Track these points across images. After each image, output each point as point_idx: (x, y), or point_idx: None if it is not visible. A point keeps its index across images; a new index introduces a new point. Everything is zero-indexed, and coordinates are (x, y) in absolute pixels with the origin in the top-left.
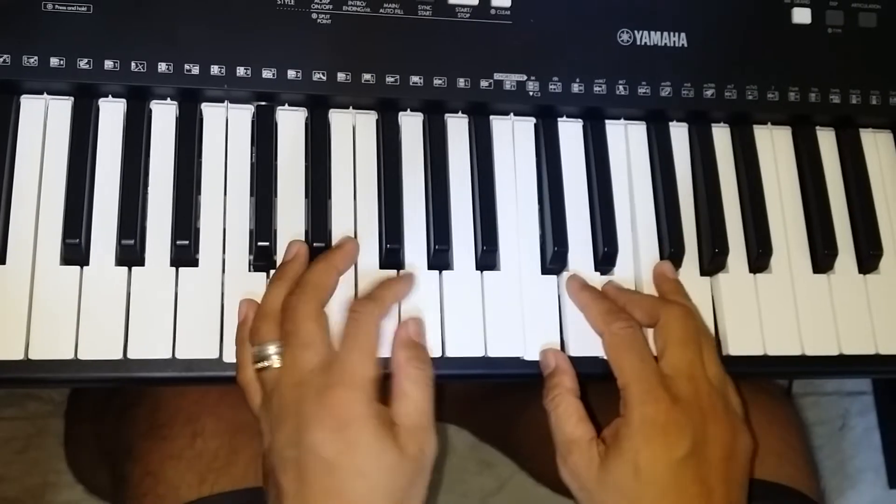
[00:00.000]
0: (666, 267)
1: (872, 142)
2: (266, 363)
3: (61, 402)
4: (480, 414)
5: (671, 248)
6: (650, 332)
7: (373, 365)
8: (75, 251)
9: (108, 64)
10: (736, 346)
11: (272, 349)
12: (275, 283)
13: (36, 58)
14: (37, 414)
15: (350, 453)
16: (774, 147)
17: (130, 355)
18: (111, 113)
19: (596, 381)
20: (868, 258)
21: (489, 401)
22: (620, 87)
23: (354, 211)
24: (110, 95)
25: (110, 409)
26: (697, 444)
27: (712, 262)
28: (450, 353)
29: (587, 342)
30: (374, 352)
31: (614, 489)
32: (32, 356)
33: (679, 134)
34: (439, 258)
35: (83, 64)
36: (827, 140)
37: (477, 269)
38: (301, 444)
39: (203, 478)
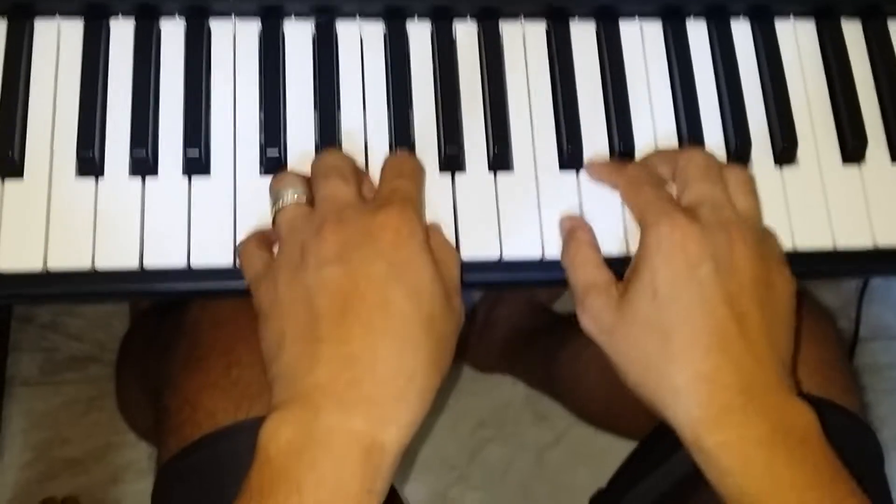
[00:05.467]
0: None
1: None
2: (290, 200)
3: None
4: (527, 358)
5: (691, 143)
6: None
7: (420, 193)
8: (89, 163)
9: None
10: None
11: (299, 189)
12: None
13: None
14: (98, 377)
15: (404, 271)
16: (798, 40)
17: (146, 264)
18: (121, 31)
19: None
20: None
21: (534, 344)
22: None
23: (364, 120)
24: (120, 14)
25: (153, 349)
26: (722, 264)
27: (736, 155)
28: (465, 256)
29: (610, 241)
30: (419, 181)
31: (635, 321)
32: (51, 267)
33: (697, 30)
34: (451, 160)
35: None
36: (853, 31)
37: (490, 169)
38: (349, 261)
39: (238, 404)
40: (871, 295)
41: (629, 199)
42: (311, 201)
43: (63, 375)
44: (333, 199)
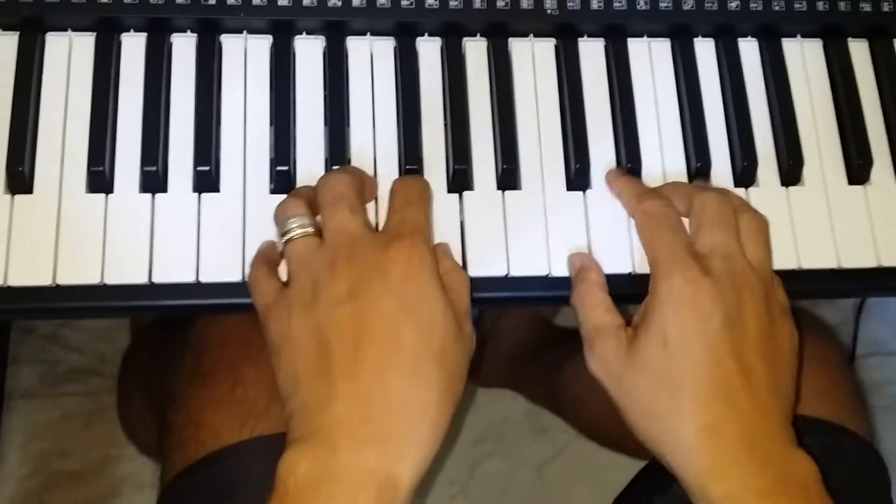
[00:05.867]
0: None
1: None
2: (298, 232)
3: None
4: (529, 373)
5: (698, 163)
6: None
7: (429, 220)
8: (99, 179)
9: None
10: None
11: (305, 220)
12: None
13: None
14: (98, 389)
15: (416, 305)
16: (805, 60)
17: (155, 280)
18: (132, 46)
19: (630, 300)
20: None
21: (536, 359)
22: (642, 1)
23: (374, 136)
24: (132, 30)
25: (158, 364)
26: (731, 318)
27: (742, 175)
28: (472, 273)
29: (615, 259)
30: (428, 208)
31: (644, 369)
32: (60, 281)
33: (705, 49)
34: (459, 178)
35: None
36: (859, 51)
37: (498, 188)
38: (362, 296)
39: (243, 422)
40: (868, 311)
41: (644, 237)
42: (317, 228)
43: (63, 388)
44: (343, 233)
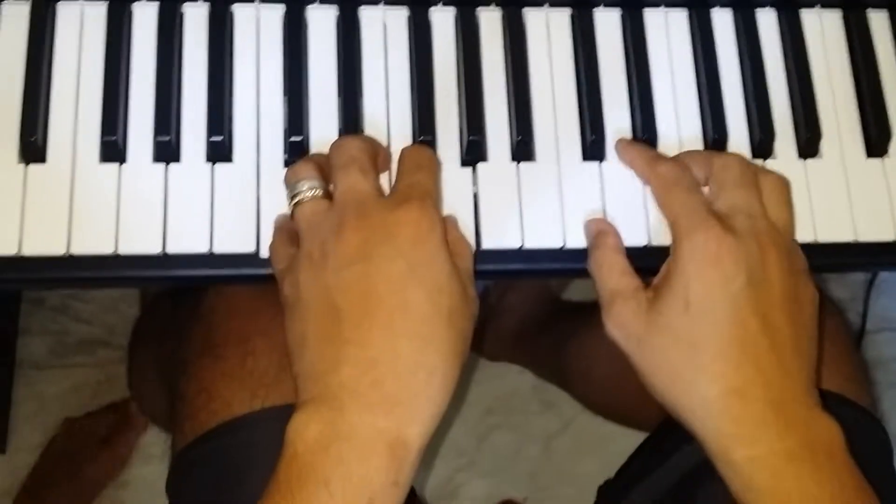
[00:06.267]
0: None
1: None
2: (308, 194)
3: None
4: (536, 347)
5: (715, 135)
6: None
7: (437, 186)
8: (112, 148)
9: None
10: None
11: (315, 182)
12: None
13: None
14: (106, 360)
15: (424, 267)
16: (823, 31)
17: (169, 250)
18: (144, 15)
19: (646, 274)
20: None
21: (543, 333)
22: None
23: (387, 107)
24: None
25: (169, 334)
26: (755, 277)
27: (759, 148)
28: (485, 245)
29: (631, 230)
30: (437, 175)
31: (665, 330)
32: (74, 251)
33: (723, 19)
34: (473, 149)
35: None
36: (879, 22)
37: (513, 160)
38: (371, 259)
39: (254, 393)
40: (878, 287)
41: (661, 201)
42: (327, 191)
43: (73, 359)
44: (353, 194)
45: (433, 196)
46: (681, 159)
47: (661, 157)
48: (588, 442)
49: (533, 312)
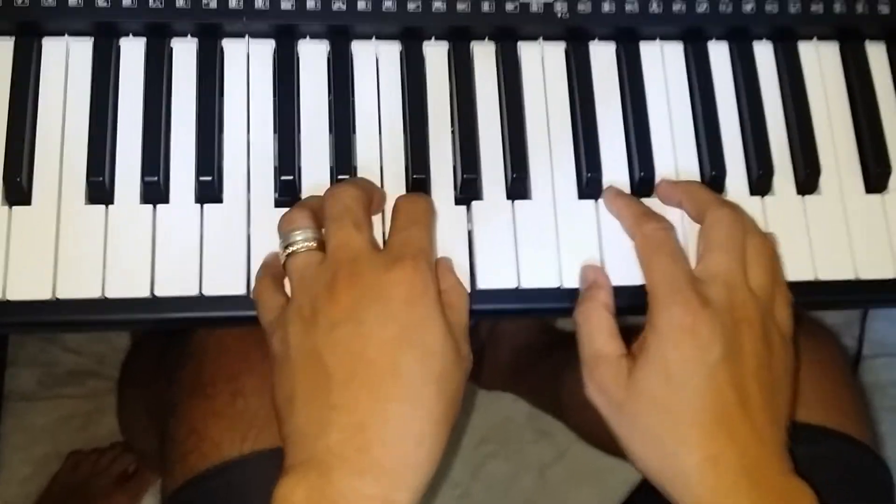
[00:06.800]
0: None
1: None
2: (302, 246)
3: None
4: (531, 377)
5: (712, 171)
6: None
7: (432, 241)
8: (99, 189)
9: (126, 1)
10: (785, 271)
11: (309, 233)
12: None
13: None
14: (96, 391)
15: (417, 330)
16: (821, 63)
17: (157, 293)
18: (132, 51)
19: (641, 313)
20: None
21: (538, 363)
22: (654, 3)
23: (380, 143)
24: (130, 34)
25: (158, 373)
26: (730, 348)
27: (757, 184)
28: (480, 286)
29: (628, 271)
30: (432, 228)
31: (645, 398)
32: (60, 295)
33: (719, 52)
34: (468, 187)
35: (101, 2)
36: (877, 54)
37: (508, 198)
38: (362, 321)
39: (244, 435)
40: (874, 312)
41: (643, 262)
42: (321, 241)
43: (62, 390)
44: (346, 250)
45: (427, 252)
46: (680, 192)
47: (648, 215)
48: (583, 471)
49: (528, 342)
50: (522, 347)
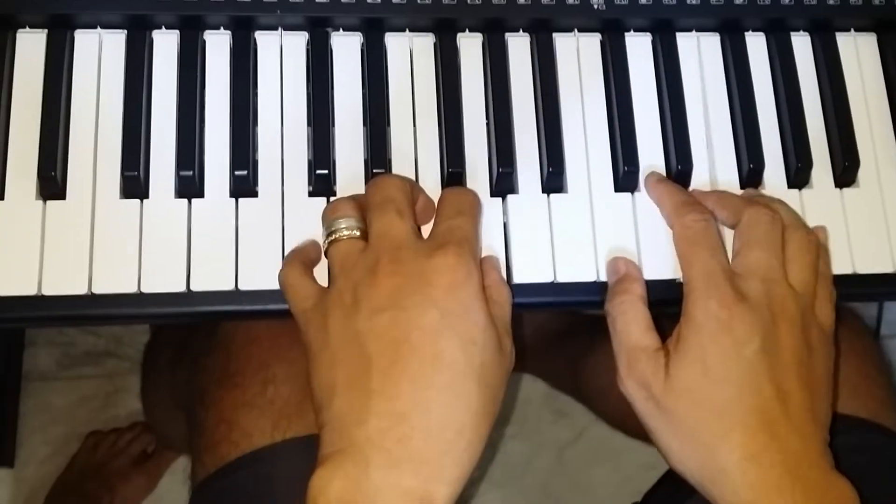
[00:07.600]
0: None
1: None
2: (345, 233)
3: (139, 359)
4: (551, 359)
5: (750, 164)
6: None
7: (478, 233)
8: (134, 184)
9: None
10: None
11: (353, 222)
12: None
13: None
14: (115, 371)
15: (460, 317)
16: (859, 55)
17: (193, 287)
18: (165, 44)
19: (675, 306)
20: None
21: (558, 346)
22: None
23: (414, 136)
24: (164, 27)
25: (184, 359)
26: (767, 343)
27: (796, 177)
28: (517, 280)
29: (665, 264)
30: (478, 220)
31: (684, 393)
32: (96, 290)
33: (756, 45)
34: (503, 181)
35: None
36: None
37: (543, 191)
38: (404, 307)
39: (276, 424)
40: None
41: (682, 254)
42: (365, 232)
43: (80, 370)
44: (388, 237)
45: (472, 242)
46: (711, 203)
47: (690, 204)
48: (601, 451)
49: (548, 325)
50: (542, 329)
